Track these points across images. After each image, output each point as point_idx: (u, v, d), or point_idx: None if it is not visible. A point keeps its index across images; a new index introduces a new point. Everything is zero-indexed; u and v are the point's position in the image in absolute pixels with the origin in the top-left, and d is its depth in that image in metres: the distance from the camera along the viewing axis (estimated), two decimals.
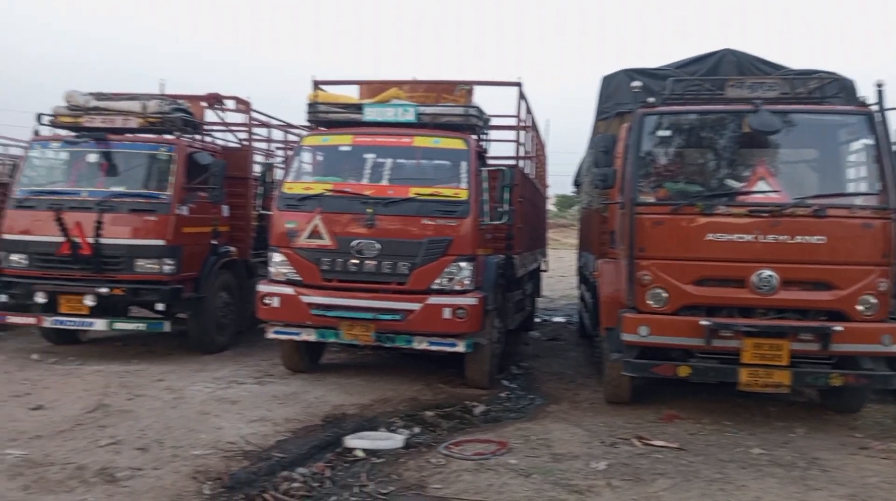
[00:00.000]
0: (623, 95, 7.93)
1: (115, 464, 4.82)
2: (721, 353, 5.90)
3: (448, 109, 7.62)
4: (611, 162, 6.38)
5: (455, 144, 7.28)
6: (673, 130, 6.29)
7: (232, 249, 9.42)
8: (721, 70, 7.72)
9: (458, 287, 6.88)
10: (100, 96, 8.81)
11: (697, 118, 6.39)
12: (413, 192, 7.00)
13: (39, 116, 8.76)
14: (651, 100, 6.42)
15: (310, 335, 7.21)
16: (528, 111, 9.14)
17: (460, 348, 6.95)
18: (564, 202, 52.44)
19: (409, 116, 7.45)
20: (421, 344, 6.99)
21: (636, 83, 6.33)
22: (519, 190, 8.02)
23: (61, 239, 8.01)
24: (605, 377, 6.78)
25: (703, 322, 5.73)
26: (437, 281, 6.88)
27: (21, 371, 7.57)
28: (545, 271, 13.01)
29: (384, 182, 7.13)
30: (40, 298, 8.15)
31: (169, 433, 5.52)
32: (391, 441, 5.65)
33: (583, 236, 11.90)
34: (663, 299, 5.91)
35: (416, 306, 6.83)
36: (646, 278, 5.92)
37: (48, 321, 8.29)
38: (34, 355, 8.45)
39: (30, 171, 8.74)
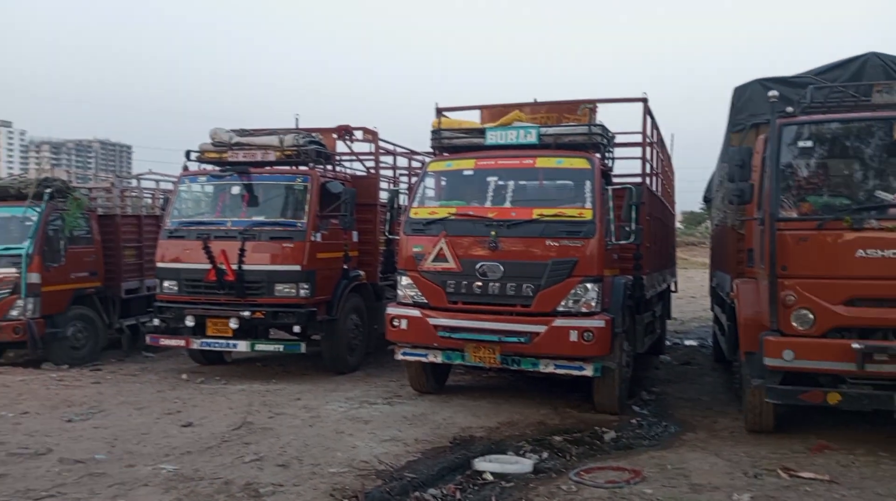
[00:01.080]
0: (757, 106, 7.55)
1: (259, 480, 5.07)
2: (875, 378, 5.45)
3: (571, 128, 7.56)
4: (747, 176, 6.07)
5: (578, 163, 7.20)
6: (815, 140, 5.91)
7: (361, 273, 9.76)
8: (865, 75, 7.20)
9: (584, 309, 6.76)
10: (241, 132, 9.46)
11: (842, 127, 5.97)
12: (536, 213, 6.97)
13: (188, 153, 9.50)
14: (789, 109, 6.08)
15: (436, 357, 7.31)
16: (654, 127, 8.90)
17: (588, 371, 6.81)
18: (692, 219, 50.53)
19: (532, 138, 7.46)
20: (547, 367, 6.91)
21: (773, 93, 6.01)
22: (646, 208, 7.81)
23: (208, 266, 8.60)
24: (746, 404, 6.40)
25: (856, 345, 5.31)
26: (563, 303, 6.79)
27: (173, 390, 8.15)
28: (675, 291, 12.53)
29: (507, 204, 7.15)
30: (189, 321, 8.78)
31: (307, 450, 5.76)
32: (520, 465, 5.60)
33: (715, 255, 11.37)
34: (809, 320, 5.53)
35: (541, 329, 6.77)
36: (790, 299, 5.56)
37: (196, 343, 8.92)
38: (184, 375, 9.10)
39: (179, 203, 9.48)
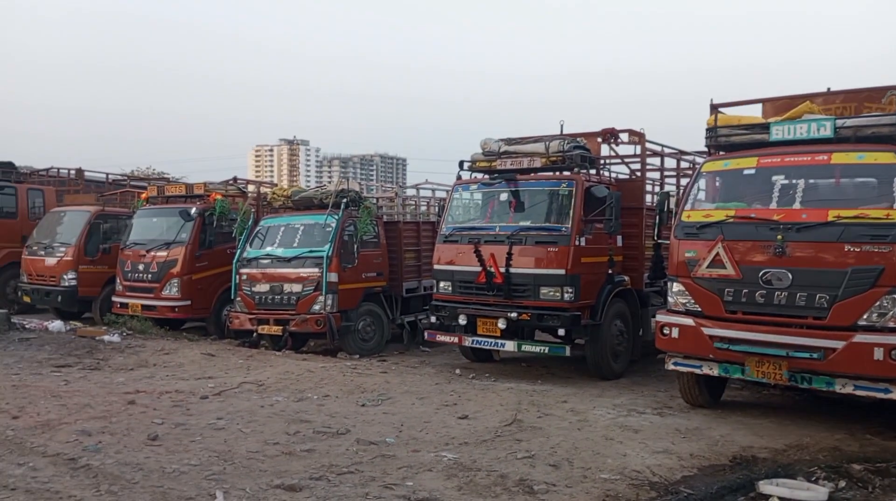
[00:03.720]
0: None
1: (531, 477, 5.21)
2: None
3: (874, 119, 6.68)
4: None
5: (885, 158, 6.34)
6: None
7: (626, 278, 9.58)
8: None
9: (892, 324, 5.93)
10: (509, 141, 9.82)
11: None
12: (833, 215, 6.27)
13: (461, 163, 10.11)
14: None
15: (712, 370, 6.91)
16: None
17: None
18: None
19: (826, 132, 6.73)
20: (844, 388, 6.18)
21: None
22: None
23: (479, 269, 9.05)
24: None
25: None
26: (865, 316, 6.02)
27: (448, 383, 8.70)
28: None
29: (796, 205, 6.54)
30: (462, 320, 9.32)
31: (577, 453, 5.79)
32: (813, 492, 5.07)
33: None
34: None
35: (838, 345, 6.07)
36: None
37: (468, 341, 9.46)
38: (457, 370, 9.68)
39: (453, 210, 10.11)
